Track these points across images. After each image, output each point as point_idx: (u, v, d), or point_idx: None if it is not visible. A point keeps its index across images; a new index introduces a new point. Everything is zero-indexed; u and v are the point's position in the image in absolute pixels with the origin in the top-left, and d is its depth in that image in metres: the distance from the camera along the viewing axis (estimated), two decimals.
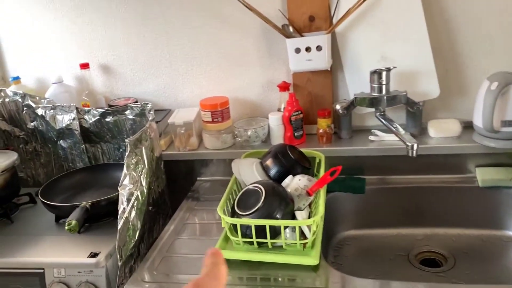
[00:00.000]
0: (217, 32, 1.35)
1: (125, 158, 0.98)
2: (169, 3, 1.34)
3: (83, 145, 1.32)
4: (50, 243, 1.10)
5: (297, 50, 1.24)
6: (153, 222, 1.19)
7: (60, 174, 1.36)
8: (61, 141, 1.34)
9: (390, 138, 1.27)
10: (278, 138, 1.32)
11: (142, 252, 1.08)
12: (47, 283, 1.01)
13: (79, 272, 0.99)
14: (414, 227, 1.24)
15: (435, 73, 1.21)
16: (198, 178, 1.39)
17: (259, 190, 0.95)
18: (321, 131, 1.30)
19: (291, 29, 1.27)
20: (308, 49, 1.23)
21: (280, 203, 0.94)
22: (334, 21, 1.25)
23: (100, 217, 1.13)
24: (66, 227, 0.97)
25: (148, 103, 1.21)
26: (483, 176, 1.17)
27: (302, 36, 1.27)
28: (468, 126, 1.24)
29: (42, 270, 1.01)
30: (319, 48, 1.23)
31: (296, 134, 1.31)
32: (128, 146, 0.99)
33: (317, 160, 1.20)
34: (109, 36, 1.41)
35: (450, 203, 1.22)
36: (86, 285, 0.99)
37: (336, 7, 1.23)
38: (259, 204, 0.93)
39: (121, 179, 0.98)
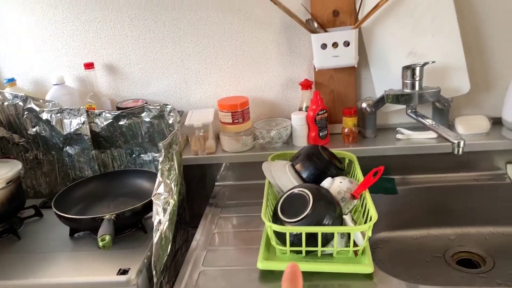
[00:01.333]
0: (234, 28, 1.27)
1: (159, 164, 0.90)
2: None
3: (93, 151, 1.21)
4: (67, 260, 0.99)
5: (323, 46, 1.18)
6: (175, 232, 1.11)
7: (65, 183, 1.26)
8: (67, 147, 1.22)
9: (418, 136, 1.23)
10: (301, 138, 1.26)
11: (168, 265, 1.00)
12: None
13: None
14: (445, 227, 1.21)
15: (466, 68, 1.18)
16: (216, 183, 1.31)
17: (305, 195, 0.89)
18: (346, 130, 1.25)
19: (315, 24, 1.21)
20: (334, 45, 1.18)
21: (328, 208, 0.87)
22: (360, 15, 1.20)
23: (122, 229, 1.04)
24: (100, 244, 0.87)
25: (168, 104, 1.12)
26: None
27: (326, 31, 1.21)
28: (496, 122, 1.22)
29: None
30: (346, 43, 1.17)
31: (321, 134, 1.25)
32: (163, 150, 0.90)
33: (346, 161, 1.15)
34: (116, 34, 1.31)
35: (482, 201, 1.19)
36: None
37: (361, 1, 1.19)
38: (308, 210, 0.86)
39: (155, 187, 0.89)
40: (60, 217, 1.01)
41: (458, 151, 0.98)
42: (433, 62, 1.10)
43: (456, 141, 0.98)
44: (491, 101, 1.25)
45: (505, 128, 1.19)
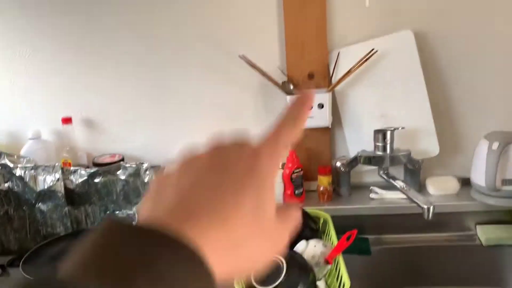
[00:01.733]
0: (213, 87, 1.31)
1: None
2: (167, 55, 1.29)
3: (66, 208, 1.19)
4: None
5: None
6: None
7: (36, 239, 1.23)
8: (40, 203, 1.21)
9: (391, 195, 1.26)
10: (278, 196, 1.27)
11: None
12: None
13: None
14: (419, 287, 1.22)
15: (435, 132, 1.23)
16: None
17: (279, 261, 0.89)
18: (321, 188, 1.27)
19: (291, 86, 1.26)
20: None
21: (302, 274, 0.88)
22: (333, 79, 1.25)
23: None
24: None
25: (143, 162, 1.13)
26: (486, 234, 1.18)
27: None
28: (465, 183, 1.26)
29: None
30: (320, 105, 1.22)
31: (296, 192, 1.26)
32: (137, 214, 0.90)
33: (321, 220, 1.16)
34: (98, 89, 1.33)
35: (453, 261, 1.21)
36: None
37: (335, 65, 1.24)
38: (281, 278, 0.86)
39: None
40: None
41: (428, 216, 1.01)
42: (402, 128, 1.15)
43: (425, 206, 1.00)
44: (460, 163, 1.29)
45: (473, 190, 1.23)
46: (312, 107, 0.29)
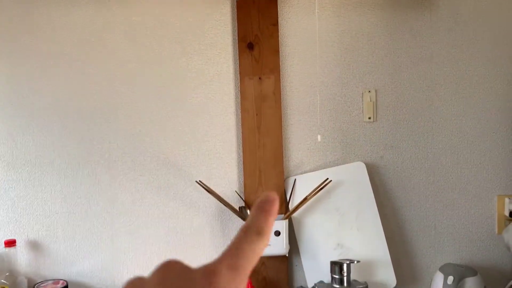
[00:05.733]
0: (169, 210, 1.29)
1: None
2: (119, 177, 1.28)
3: None
4: None
5: None
6: None
7: None
8: None
9: None
10: None
11: None
12: None
13: None
14: None
15: (391, 263, 1.22)
16: None
17: None
18: None
19: (248, 211, 1.25)
20: None
21: None
22: (290, 205, 1.26)
23: None
24: None
25: None
26: None
27: None
28: None
29: None
30: (277, 233, 1.20)
31: None
32: None
33: None
34: (46, 211, 1.28)
35: None
36: None
37: (291, 193, 1.26)
38: None
39: None
40: None
41: None
42: (358, 261, 1.14)
43: None
44: None
45: None
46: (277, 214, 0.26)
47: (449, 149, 1.28)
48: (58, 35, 1.25)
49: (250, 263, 0.27)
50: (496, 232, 1.27)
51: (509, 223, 1.21)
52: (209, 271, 0.26)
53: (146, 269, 1.29)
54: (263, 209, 0.29)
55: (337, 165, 1.26)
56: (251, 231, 0.28)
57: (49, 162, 1.28)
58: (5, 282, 1.20)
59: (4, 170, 1.27)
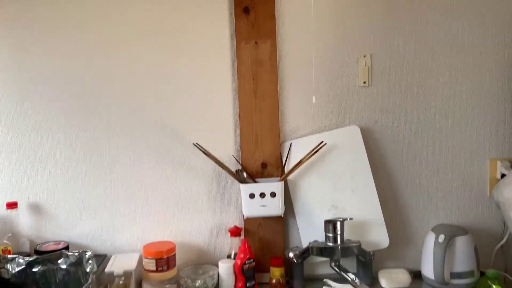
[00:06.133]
0: (167, 174, 1.31)
1: None
2: (117, 141, 1.30)
3: None
4: None
5: (251, 196, 1.23)
6: None
7: None
8: None
9: None
10: None
11: None
12: None
13: None
14: None
15: (384, 224, 1.25)
16: None
17: None
18: (274, 281, 1.23)
19: (244, 174, 1.27)
20: (262, 195, 1.23)
21: None
22: (286, 168, 1.28)
23: None
24: None
25: (87, 251, 1.08)
26: None
27: (255, 181, 1.27)
28: (416, 275, 1.25)
29: None
30: (272, 194, 1.23)
31: (248, 284, 1.22)
32: None
33: None
34: (46, 174, 1.30)
35: None
36: None
37: (287, 156, 1.28)
38: None
39: None
40: None
41: None
42: (351, 218, 1.16)
43: None
44: (411, 255, 1.30)
45: (425, 283, 1.22)
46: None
47: (443, 114, 1.29)
48: (58, 1, 1.26)
49: None
50: (488, 194, 1.30)
51: None
52: None
53: (145, 232, 1.32)
54: None
55: (332, 129, 1.28)
56: None
57: (48, 127, 1.30)
58: (7, 243, 1.23)
59: (5, 134, 1.30)
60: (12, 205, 1.25)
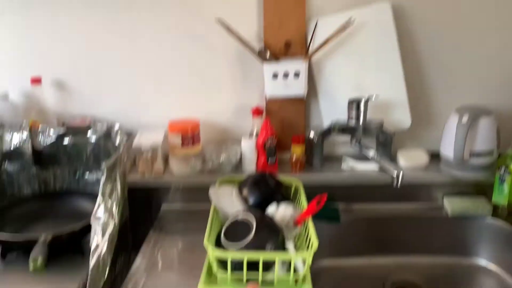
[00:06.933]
0: (189, 51, 1.28)
1: (101, 185, 0.88)
2: (139, 17, 1.26)
3: (34, 169, 1.16)
4: None
5: (275, 76, 1.22)
6: (115, 256, 1.07)
7: (3, 200, 1.19)
8: (6, 163, 1.17)
9: (362, 166, 1.28)
10: (250, 164, 1.27)
11: None
12: None
13: None
14: (386, 255, 1.24)
15: (407, 104, 1.24)
16: (162, 207, 1.28)
17: (249, 221, 0.89)
18: (294, 158, 1.27)
19: (267, 54, 1.25)
20: (285, 75, 1.21)
21: (271, 235, 0.88)
22: (310, 48, 1.24)
23: (59, 252, 0.99)
24: (31, 266, 0.83)
25: (115, 124, 1.11)
26: (452, 205, 1.21)
27: (278, 61, 1.25)
28: (435, 156, 1.28)
29: None
30: (296, 74, 1.21)
31: (269, 160, 1.27)
32: (105, 171, 0.89)
33: (293, 188, 1.16)
34: (68, 49, 1.29)
35: (420, 231, 1.24)
36: None
37: (313, 35, 1.23)
38: (251, 237, 0.86)
39: (94, 209, 0.87)
40: None
41: (397, 183, 1.03)
42: (376, 96, 1.15)
43: (395, 174, 1.02)
44: (431, 136, 1.32)
45: (443, 163, 1.26)
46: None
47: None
48: None
49: None
50: None
51: None
52: None
53: (169, 111, 1.33)
54: None
55: (362, 6, 1.22)
56: None
57: (68, 1, 1.25)
58: (36, 118, 1.26)
59: (24, 10, 1.26)
60: (36, 81, 1.26)
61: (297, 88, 1.23)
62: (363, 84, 1.25)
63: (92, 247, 0.84)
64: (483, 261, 1.21)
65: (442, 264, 1.22)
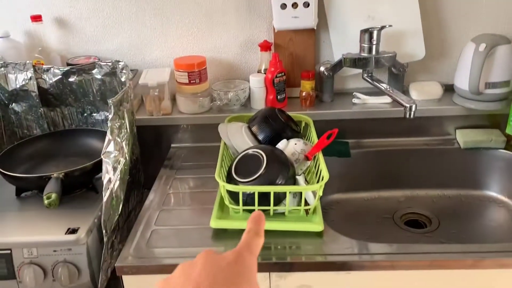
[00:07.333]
0: None
1: (108, 122, 0.87)
2: None
3: (41, 109, 1.16)
4: (13, 220, 0.96)
5: (283, 6, 1.16)
6: (128, 193, 1.09)
7: (12, 141, 1.20)
8: (13, 104, 1.16)
9: (373, 100, 1.25)
10: (259, 101, 1.25)
11: (121, 226, 0.98)
12: (15, 265, 0.88)
13: (54, 251, 0.88)
14: (395, 189, 1.25)
15: (422, 35, 1.19)
16: (172, 145, 1.28)
17: (259, 156, 0.89)
18: (304, 94, 1.25)
19: None
20: (294, 5, 1.16)
21: (282, 168, 0.88)
22: None
23: (71, 189, 1.01)
24: (46, 202, 0.85)
25: (120, 61, 1.08)
26: (464, 138, 1.19)
27: None
28: (448, 89, 1.25)
29: (9, 251, 0.88)
30: (306, 4, 1.16)
31: (279, 97, 1.24)
32: (112, 107, 0.87)
33: (303, 124, 1.15)
34: None
35: (431, 164, 1.23)
36: (64, 265, 0.88)
37: None
38: (261, 170, 0.86)
39: (104, 145, 0.86)
40: (4, 175, 0.96)
41: (410, 115, 1.00)
42: (390, 26, 1.10)
43: (408, 105, 1.00)
44: (445, 68, 1.28)
45: (456, 95, 1.23)
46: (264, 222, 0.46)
47: None
48: None
49: (257, 251, 0.44)
50: None
51: None
52: (237, 253, 0.42)
53: (174, 48, 1.30)
54: (256, 220, 0.46)
55: None
56: (252, 233, 0.45)
57: None
58: (39, 56, 1.24)
59: None
60: (36, 18, 1.22)
61: (307, 19, 1.17)
62: (375, 14, 1.19)
63: (105, 182, 0.84)
64: (493, 193, 1.21)
65: (452, 196, 1.22)
